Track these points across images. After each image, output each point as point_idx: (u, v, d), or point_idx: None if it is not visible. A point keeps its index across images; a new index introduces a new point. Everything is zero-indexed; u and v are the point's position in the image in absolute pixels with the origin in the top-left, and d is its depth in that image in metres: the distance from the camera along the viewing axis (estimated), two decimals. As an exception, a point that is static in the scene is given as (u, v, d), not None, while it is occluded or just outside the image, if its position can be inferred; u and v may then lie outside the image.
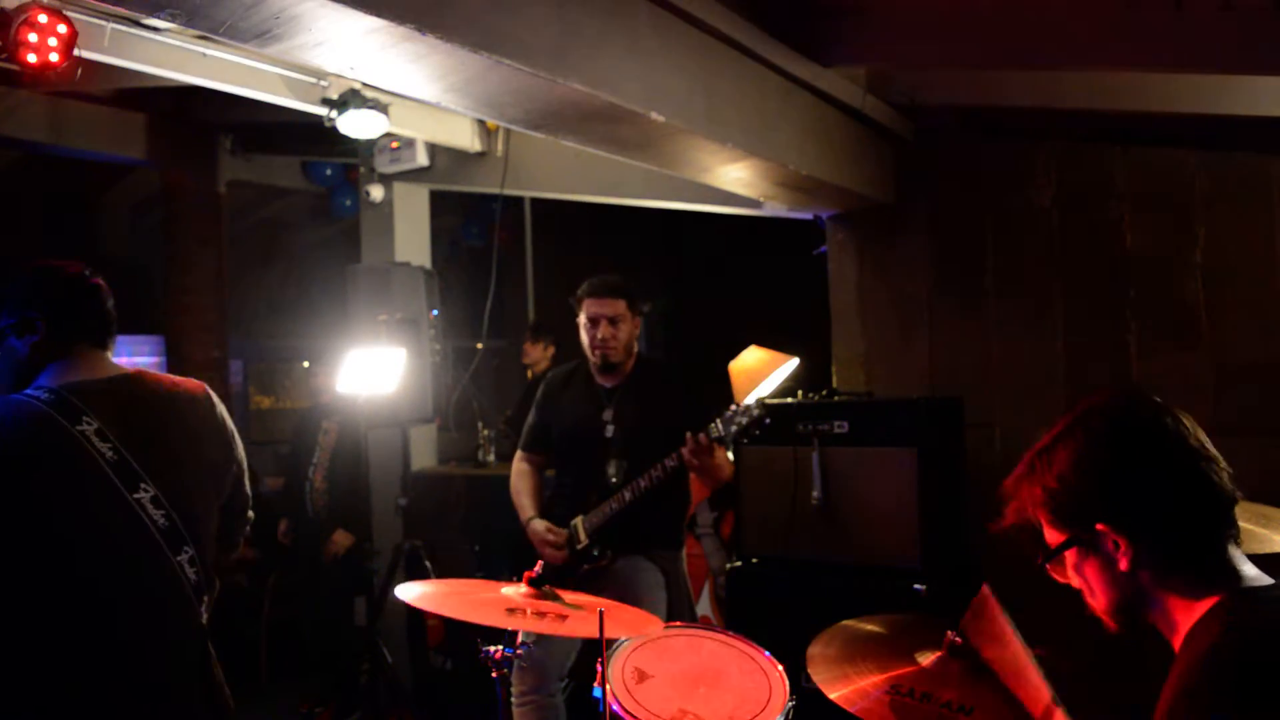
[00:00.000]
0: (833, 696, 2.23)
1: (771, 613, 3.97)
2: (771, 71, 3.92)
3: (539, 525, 4.08)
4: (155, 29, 4.15)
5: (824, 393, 4.32)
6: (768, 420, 3.65)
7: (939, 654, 2.22)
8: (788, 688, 2.72)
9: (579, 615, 2.51)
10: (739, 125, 3.70)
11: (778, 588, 4.06)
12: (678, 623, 3.11)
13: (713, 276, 8.47)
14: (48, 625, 2.11)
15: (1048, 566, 1.66)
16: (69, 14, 3.62)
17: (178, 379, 2.45)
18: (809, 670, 2.38)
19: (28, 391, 2.24)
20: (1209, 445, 1.57)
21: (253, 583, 6.82)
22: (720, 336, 5.56)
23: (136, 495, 2.18)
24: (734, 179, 4.23)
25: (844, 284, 5.21)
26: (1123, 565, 1.55)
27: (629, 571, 4.01)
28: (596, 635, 2.36)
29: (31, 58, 3.56)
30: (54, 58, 3.59)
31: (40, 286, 2.38)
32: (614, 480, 3.97)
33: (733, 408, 3.69)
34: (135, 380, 2.36)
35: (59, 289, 2.39)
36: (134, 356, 10.14)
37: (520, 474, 4.30)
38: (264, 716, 6.17)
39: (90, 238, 9.04)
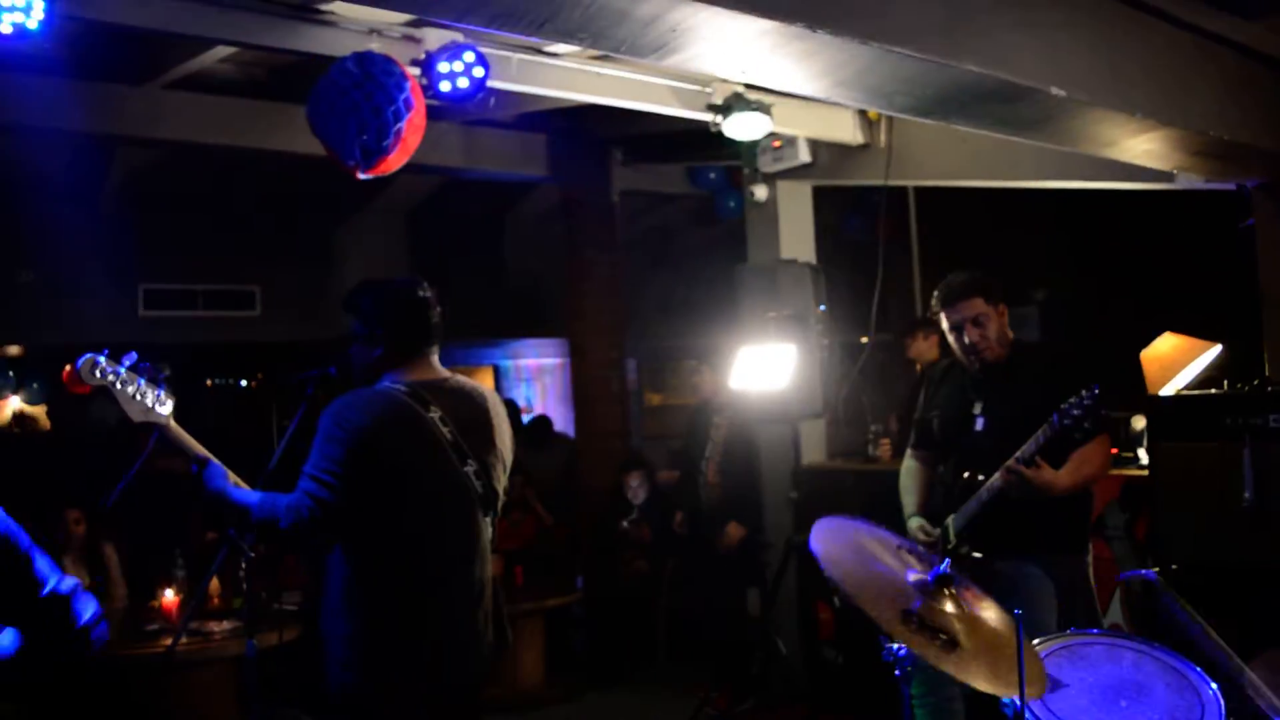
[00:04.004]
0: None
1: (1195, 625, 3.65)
2: (1183, 30, 3.66)
3: (913, 524, 4.01)
4: (555, 55, 4.47)
5: (1255, 383, 3.94)
6: (1102, 411, 3.43)
7: None
8: (1223, 709, 2.50)
9: (968, 650, 2.48)
10: (1148, 93, 3.49)
11: (1201, 597, 3.71)
12: (1093, 630, 2.94)
13: (1118, 259, 7.90)
14: (392, 553, 2.82)
15: None
16: (482, 49, 3.98)
17: (477, 384, 3.12)
18: (1250, 692, 2.18)
19: (387, 385, 2.89)
20: None
21: (651, 569, 7.17)
22: (1130, 324, 5.21)
23: (466, 468, 2.89)
24: (1142, 151, 3.99)
25: (1275, 260, 4.69)
26: None
27: (1012, 577, 3.77)
28: (977, 683, 2.35)
29: (450, 90, 3.96)
30: (470, 89, 3.97)
31: (383, 306, 2.95)
32: (980, 476, 3.78)
33: (1070, 400, 3.42)
34: (456, 382, 3.03)
35: (398, 309, 2.96)
36: (540, 358, 10.97)
37: (908, 471, 4.24)
38: (660, 693, 6.47)
39: (498, 251, 9.87)
